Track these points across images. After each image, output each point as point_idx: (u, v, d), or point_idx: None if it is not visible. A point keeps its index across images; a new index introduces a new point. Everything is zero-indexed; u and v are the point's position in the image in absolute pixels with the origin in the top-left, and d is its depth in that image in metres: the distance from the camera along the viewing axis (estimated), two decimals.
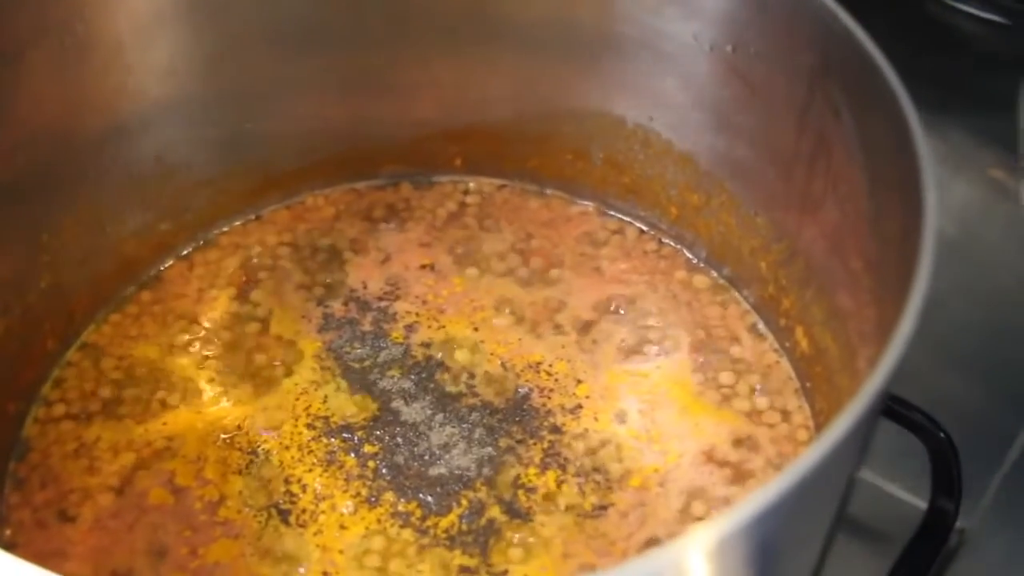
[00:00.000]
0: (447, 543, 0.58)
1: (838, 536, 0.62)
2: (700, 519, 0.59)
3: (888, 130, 0.48)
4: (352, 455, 0.61)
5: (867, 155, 0.52)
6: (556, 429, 0.62)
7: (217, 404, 0.64)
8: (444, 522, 0.59)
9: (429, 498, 0.60)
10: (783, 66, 0.58)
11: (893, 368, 0.40)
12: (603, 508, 0.59)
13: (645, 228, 0.71)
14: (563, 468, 0.60)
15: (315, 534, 0.58)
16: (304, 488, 0.60)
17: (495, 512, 0.59)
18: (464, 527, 0.58)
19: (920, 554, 0.59)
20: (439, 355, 0.65)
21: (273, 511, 0.59)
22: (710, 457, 0.61)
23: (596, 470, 0.60)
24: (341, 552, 0.58)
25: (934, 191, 0.45)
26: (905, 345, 0.40)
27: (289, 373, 0.65)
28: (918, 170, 0.45)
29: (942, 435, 0.60)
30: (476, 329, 0.67)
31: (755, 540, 0.39)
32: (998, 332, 0.75)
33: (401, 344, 0.66)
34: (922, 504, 0.60)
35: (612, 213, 0.72)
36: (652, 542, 0.58)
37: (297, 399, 0.64)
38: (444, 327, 0.67)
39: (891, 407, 0.60)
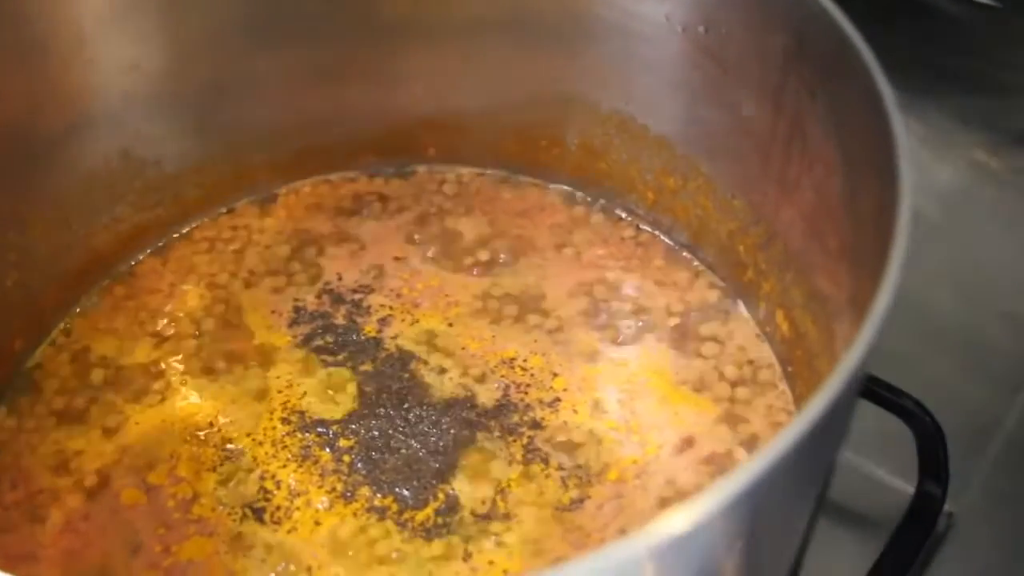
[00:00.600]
0: (424, 537, 0.57)
1: (824, 521, 0.61)
2: (679, 507, 0.58)
3: (864, 110, 0.47)
4: (327, 450, 0.60)
5: (842, 135, 0.51)
6: (535, 424, 0.61)
7: (190, 400, 0.63)
8: (420, 516, 0.58)
9: (405, 492, 0.59)
10: (756, 46, 0.57)
11: (869, 345, 0.39)
12: (580, 501, 0.58)
13: (622, 214, 0.71)
14: (542, 462, 0.60)
15: (290, 531, 0.57)
16: (279, 484, 0.59)
17: (472, 506, 0.58)
18: (440, 521, 0.57)
19: (908, 538, 0.59)
20: (413, 349, 0.64)
21: (247, 508, 0.58)
22: (689, 445, 0.60)
23: (574, 464, 0.59)
24: (316, 548, 0.57)
25: (910, 169, 0.44)
26: (881, 321, 0.40)
27: (262, 368, 0.64)
28: (893, 148, 0.44)
29: (929, 419, 0.60)
30: (451, 324, 0.66)
31: (732, 525, 0.38)
32: (982, 315, 0.74)
33: (375, 338, 0.65)
34: (908, 488, 0.60)
35: (588, 199, 0.71)
36: (627, 532, 0.57)
37: (271, 394, 0.63)
38: (419, 321, 0.66)
39: (877, 391, 0.60)
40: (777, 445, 0.36)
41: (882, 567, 0.57)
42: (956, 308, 0.74)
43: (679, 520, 0.35)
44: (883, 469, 0.66)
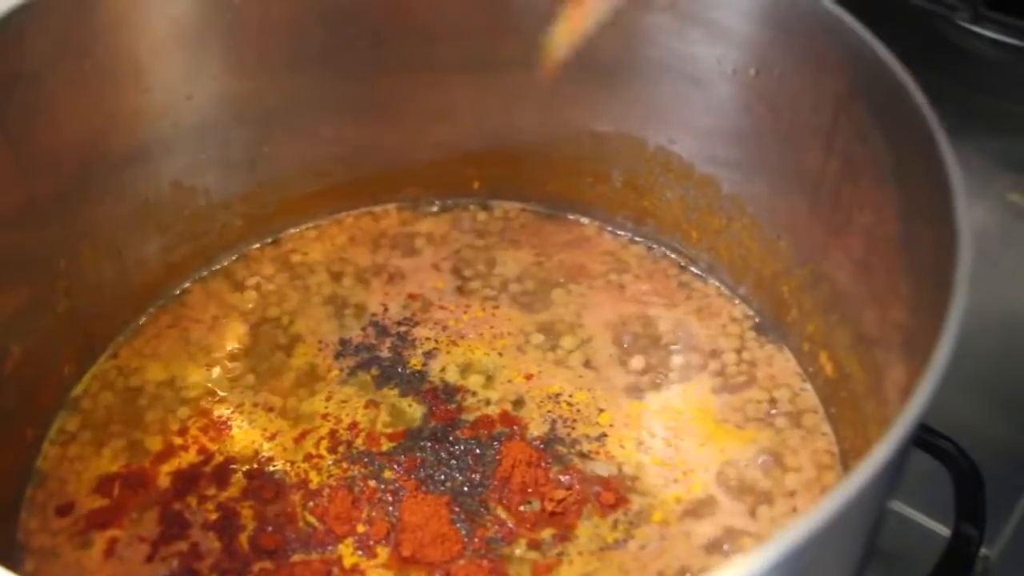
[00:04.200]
0: (469, 568, 0.57)
1: None
2: (722, 550, 0.58)
3: (918, 155, 0.48)
4: (373, 481, 0.60)
5: (896, 180, 0.52)
6: (582, 456, 0.61)
7: (235, 429, 0.63)
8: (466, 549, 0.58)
9: (455, 524, 0.59)
10: (808, 90, 0.58)
11: (929, 398, 0.40)
12: (624, 542, 0.58)
13: (666, 251, 0.71)
14: (585, 500, 0.60)
15: (337, 559, 0.57)
16: (326, 513, 0.59)
17: (516, 540, 0.58)
18: (485, 553, 0.58)
19: None
20: (459, 382, 0.65)
21: (295, 538, 0.58)
22: (733, 485, 0.60)
23: (617, 501, 0.60)
24: None
25: (967, 217, 0.44)
26: (941, 374, 0.40)
27: (308, 399, 0.64)
28: (950, 195, 0.45)
29: (966, 461, 0.59)
30: (496, 356, 0.66)
31: None
32: (1018, 355, 0.74)
33: (420, 371, 0.65)
34: (943, 530, 0.60)
35: (632, 236, 0.72)
36: (665, 574, 0.57)
37: (317, 425, 0.63)
38: (464, 354, 0.66)
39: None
40: (835, 500, 0.36)
41: None
42: (992, 348, 0.74)
43: (737, 572, 0.35)
44: (918, 510, 0.66)
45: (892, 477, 0.44)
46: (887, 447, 0.38)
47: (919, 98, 0.49)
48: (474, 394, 0.64)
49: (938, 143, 0.47)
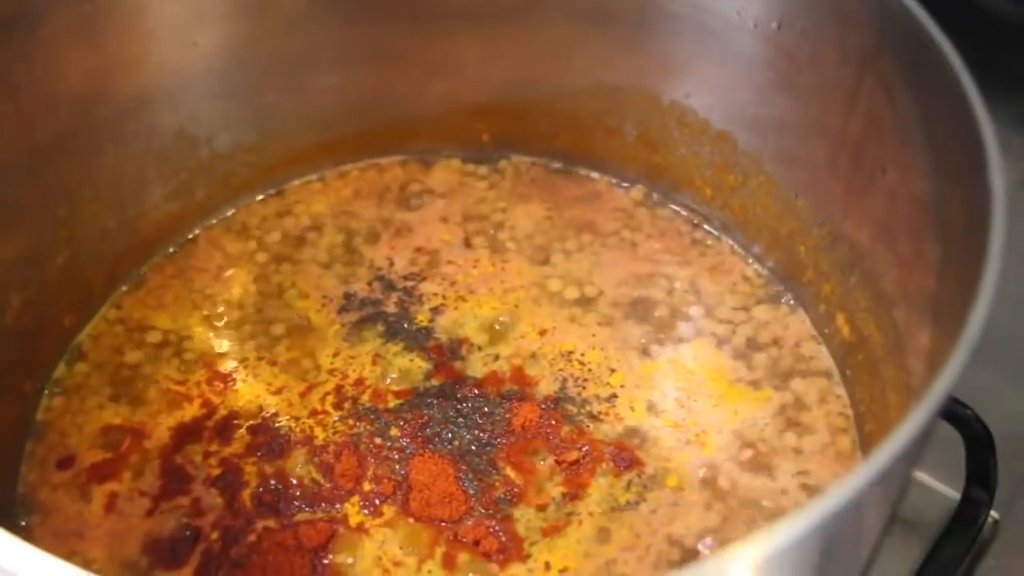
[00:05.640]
0: (478, 528, 0.56)
1: None
2: (734, 515, 0.57)
3: (948, 111, 0.47)
4: (380, 438, 0.59)
5: (924, 137, 0.51)
6: (592, 417, 0.60)
7: (240, 384, 0.62)
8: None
9: (463, 483, 0.58)
10: (832, 44, 0.56)
11: (963, 365, 0.39)
12: (635, 504, 0.57)
13: (679, 209, 0.70)
14: (597, 460, 0.59)
15: (343, 517, 0.57)
16: (331, 470, 0.58)
17: (526, 499, 0.57)
18: (493, 513, 0.57)
19: (954, 543, 0.58)
20: (466, 338, 0.64)
21: (299, 495, 0.57)
22: (746, 447, 0.59)
23: (631, 462, 0.59)
24: (369, 534, 0.56)
25: (1001, 176, 0.43)
26: (977, 340, 0.39)
27: (314, 353, 0.63)
28: (983, 153, 0.44)
29: (980, 426, 0.59)
30: (506, 313, 0.65)
31: (808, 550, 0.37)
32: None
33: (426, 327, 0.64)
34: (953, 493, 0.59)
35: (644, 192, 0.71)
36: (674, 538, 0.56)
37: (322, 380, 0.62)
38: (472, 309, 0.65)
39: None
40: (864, 473, 0.35)
41: (926, 572, 0.57)
42: (1006, 315, 0.73)
43: (758, 548, 0.34)
44: (928, 473, 0.66)
45: (921, 445, 0.43)
46: (921, 415, 0.37)
47: (950, 52, 0.47)
48: (482, 350, 0.63)
49: (969, 99, 0.45)
